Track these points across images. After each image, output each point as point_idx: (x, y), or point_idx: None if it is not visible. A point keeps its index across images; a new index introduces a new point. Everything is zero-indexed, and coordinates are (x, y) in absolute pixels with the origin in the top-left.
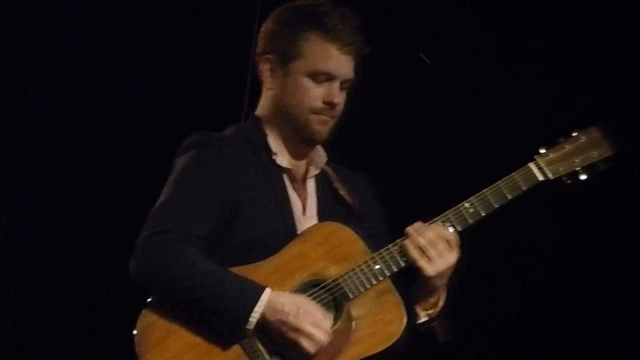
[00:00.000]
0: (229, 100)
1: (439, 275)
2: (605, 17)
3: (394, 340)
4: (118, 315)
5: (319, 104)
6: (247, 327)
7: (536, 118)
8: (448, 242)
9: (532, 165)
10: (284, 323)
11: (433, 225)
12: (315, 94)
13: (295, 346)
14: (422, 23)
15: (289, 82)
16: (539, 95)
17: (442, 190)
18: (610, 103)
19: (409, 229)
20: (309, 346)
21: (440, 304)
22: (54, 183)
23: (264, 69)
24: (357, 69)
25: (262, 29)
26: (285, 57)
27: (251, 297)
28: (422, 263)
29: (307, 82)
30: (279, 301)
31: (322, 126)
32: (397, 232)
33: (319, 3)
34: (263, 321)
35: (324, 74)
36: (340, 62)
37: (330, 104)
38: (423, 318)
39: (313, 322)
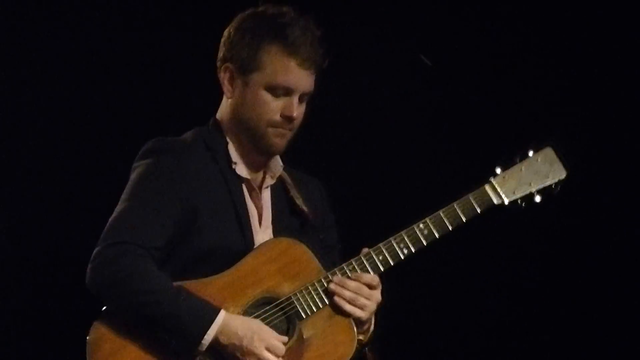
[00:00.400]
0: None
1: (370, 313)
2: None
3: None
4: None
5: (277, 117)
6: (200, 348)
7: (499, 129)
8: (370, 285)
9: (487, 188)
10: (238, 347)
11: (353, 275)
12: (274, 107)
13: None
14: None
15: (248, 93)
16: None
17: (399, 197)
18: (564, 118)
19: (332, 287)
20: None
21: (372, 328)
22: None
23: (224, 77)
24: (317, 82)
25: (225, 34)
26: (245, 68)
27: (205, 318)
28: (357, 313)
29: (266, 95)
30: (233, 324)
31: (279, 139)
32: (351, 238)
33: (282, 12)
34: (216, 343)
35: (282, 88)
36: (299, 77)
37: (288, 118)
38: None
39: (267, 346)
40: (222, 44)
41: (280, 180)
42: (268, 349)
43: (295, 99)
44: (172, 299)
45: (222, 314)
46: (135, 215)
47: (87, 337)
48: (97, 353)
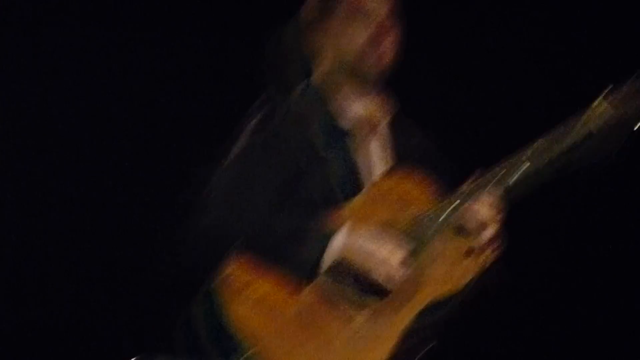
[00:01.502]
0: None
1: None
2: None
3: (466, 281)
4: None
5: (365, 42)
6: (326, 263)
7: None
8: (490, 205)
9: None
10: (361, 251)
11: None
12: (360, 32)
13: (373, 275)
14: None
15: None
16: None
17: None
18: None
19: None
20: (387, 271)
21: (494, 253)
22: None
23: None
24: None
25: None
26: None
27: (328, 233)
28: (481, 235)
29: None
30: (354, 234)
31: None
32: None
33: None
34: (341, 256)
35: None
36: None
37: (377, 43)
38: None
39: (389, 248)
40: None
41: (389, 125)
42: (391, 251)
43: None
44: (293, 222)
45: (344, 227)
46: (243, 173)
47: (219, 274)
48: (230, 288)
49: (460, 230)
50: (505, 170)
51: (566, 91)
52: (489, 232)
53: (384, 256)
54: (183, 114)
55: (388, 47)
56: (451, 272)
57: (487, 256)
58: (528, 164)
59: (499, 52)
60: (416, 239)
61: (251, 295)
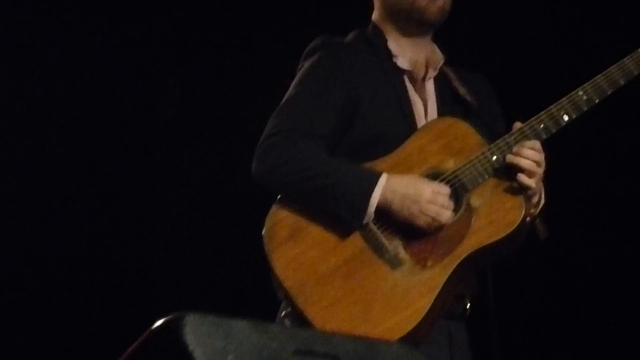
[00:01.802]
0: None
1: (539, 180)
2: None
3: (514, 227)
4: None
5: None
6: (369, 209)
7: None
8: (535, 149)
9: None
10: (404, 196)
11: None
12: None
13: (421, 218)
14: None
15: None
16: None
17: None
18: None
19: (501, 156)
20: (432, 212)
21: (542, 202)
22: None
23: None
24: None
25: None
26: None
27: (370, 180)
28: (526, 181)
29: None
30: (396, 181)
31: (431, 4)
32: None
33: None
34: (383, 203)
35: None
36: None
37: None
38: (527, 218)
39: (432, 190)
40: None
41: (442, 73)
42: (434, 191)
43: None
44: (334, 170)
45: (385, 175)
46: (297, 105)
47: (264, 226)
48: (274, 240)
49: (509, 173)
50: (544, 122)
51: None
52: (535, 176)
53: (430, 198)
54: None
55: None
56: (497, 218)
57: (533, 204)
58: (566, 117)
59: None
60: (463, 184)
61: (295, 247)
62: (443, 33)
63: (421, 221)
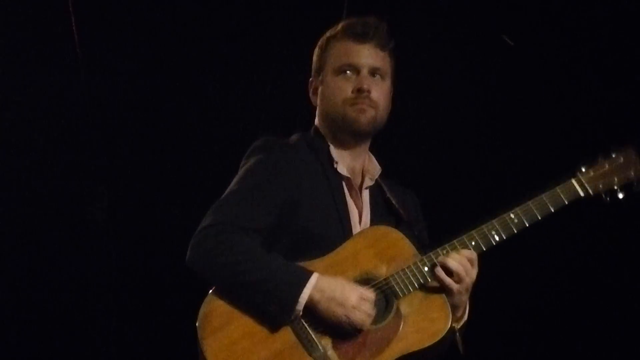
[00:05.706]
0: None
1: (465, 290)
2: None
3: (439, 337)
4: None
5: (349, 94)
6: (297, 307)
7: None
8: (469, 259)
9: (574, 181)
10: (330, 299)
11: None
12: (346, 86)
13: (345, 321)
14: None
15: (324, 88)
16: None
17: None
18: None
19: (433, 262)
20: (355, 317)
21: (465, 317)
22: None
23: (310, 91)
24: (390, 61)
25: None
26: (319, 70)
27: (300, 279)
28: (454, 287)
29: (336, 80)
30: (326, 282)
31: (359, 114)
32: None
33: (351, 21)
34: (311, 302)
35: (348, 66)
36: (361, 53)
37: (360, 91)
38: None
39: (359, 295)
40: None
41: (377, 184)
42: (360, 297)
43: (364, 72)
44: (265, 265)
45: (316, 275)
46: (237, 200)
47: (199, 313)
48: (207, 327)
49: (438, 284)
50: (475, 239)
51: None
52: (461, 282)
53: (355, 304)
54: None
55: (367, 104)
56: (424, 327)
57: (456, 317)
58: (497, 237)
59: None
60: (394, 291)
61: (226, 337)
62: (379, 145)
63: (345, 324)
